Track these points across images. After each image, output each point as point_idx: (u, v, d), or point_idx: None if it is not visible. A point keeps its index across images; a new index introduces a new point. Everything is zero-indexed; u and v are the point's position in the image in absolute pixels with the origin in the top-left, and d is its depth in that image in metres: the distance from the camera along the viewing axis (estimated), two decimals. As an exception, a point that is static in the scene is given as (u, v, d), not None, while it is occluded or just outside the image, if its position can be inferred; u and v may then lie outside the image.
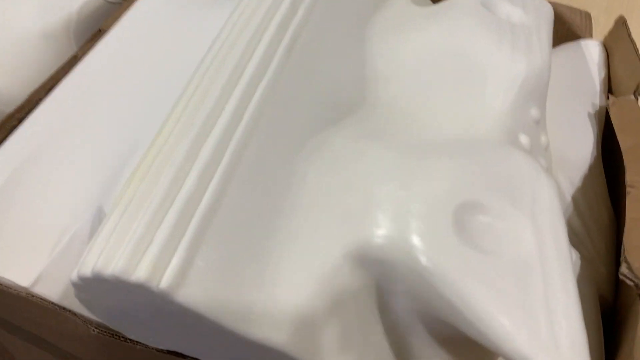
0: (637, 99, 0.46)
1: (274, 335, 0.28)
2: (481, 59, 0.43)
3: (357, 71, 0.42)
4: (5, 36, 0.55)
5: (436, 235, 0.30)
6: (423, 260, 0.29)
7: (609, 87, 0.51)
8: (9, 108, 0.52)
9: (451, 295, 0.29)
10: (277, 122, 0.34)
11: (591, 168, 0.46)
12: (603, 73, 0.50)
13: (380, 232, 0.31)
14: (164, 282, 0.26)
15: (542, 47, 0.45)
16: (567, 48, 0.54)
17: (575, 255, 0.42)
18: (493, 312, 0.28)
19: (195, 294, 0.27)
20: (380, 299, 0.32)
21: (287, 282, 0.30)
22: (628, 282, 0.35)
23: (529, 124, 0.42)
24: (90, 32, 0.58)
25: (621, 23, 0.51)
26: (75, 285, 0.28)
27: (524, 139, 0.41)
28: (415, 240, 0.30)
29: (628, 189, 0.40)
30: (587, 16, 0.54)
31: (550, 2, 0.53)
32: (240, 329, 0.28)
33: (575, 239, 0.44)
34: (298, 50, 0.39)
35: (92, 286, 0.27)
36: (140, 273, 0.26)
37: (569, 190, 0.46)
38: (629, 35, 0.50)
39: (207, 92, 0.33)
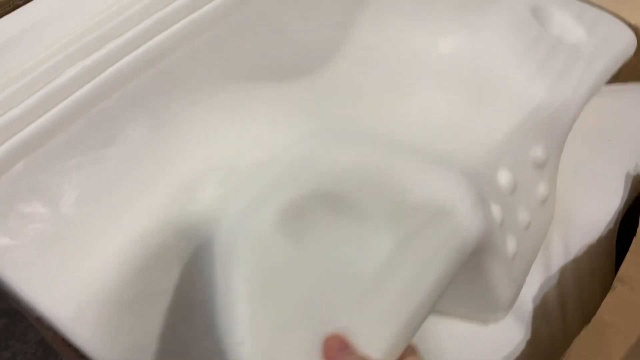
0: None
1: (57, 303, 0.24)
2: (494, 67, 0.34)
3: (329, 39, 0.35)
4: None
5: (253, 213, 0.25)
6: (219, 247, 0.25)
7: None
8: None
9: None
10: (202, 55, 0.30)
11: (600, 241, 0.36)
12: (670, 130, 0.39)
13: (215, 200, 0.27)
14: None
15: (583, 78, 0.35)
16: (635, 90, 0.43)
17: (521, 337, 0.33)
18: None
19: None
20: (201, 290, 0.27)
21: (102, 237, 0.26)
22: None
23: (523, 164, 0.33)
24: None
25: None
26: None
27: (505, 178, 0.32)
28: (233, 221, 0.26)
29: (615, 282, 0.30)
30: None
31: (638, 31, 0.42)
32: (16, 278, 0.24)
33: (541, 313, 0.35)
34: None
35: None
36: None
37: (560, 258, 0.36)
38: None
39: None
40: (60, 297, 0.24)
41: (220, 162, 0.29)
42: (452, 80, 0.34)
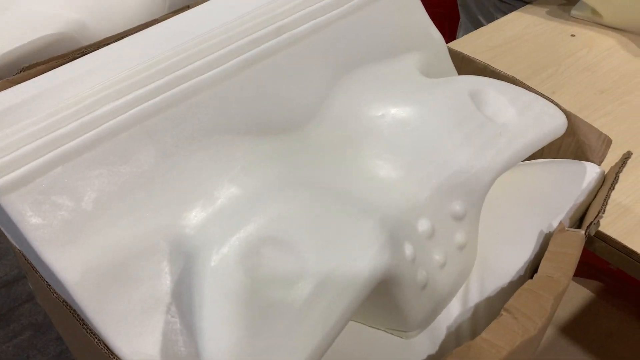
0: (586, 235, 0.42)
1: (69, 269, 0.34)
2: (429, 137, 0.44)
3: (312, 103, 0.45)
4: (113, -11, 0.67)
5: (221, 255, 0.33)
6: (196, 266, 0.33)
7: (584, 214, 0.47)
8: (86, 42, 0.64)
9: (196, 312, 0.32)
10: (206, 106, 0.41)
11: (512, 284, 0.44)
12: (583, 199, 0.47)
13: (197, 224, 0.35)
14: (-4, 182, 0.33)
15: (502, 152, 0.43)
16: (565, 164, 0.51)
17: (430, 352, 0.41)
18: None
19: (17, 204, 0.33)
20: (176, 288, 0.36)
21: (110, 228, 0.35)
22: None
23: (443, 216, 0.42)
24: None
25: (624, 158, 0.46)
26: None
27: (423, 225, 0.41)
28: (205, 247, 0.34)
29: (502, 311, 0.38)
30: (607, 141, 0.50)
31: (572, 116, 0.51)
32: (43, 248, 0.33)
33: (453, 338, 0.42)
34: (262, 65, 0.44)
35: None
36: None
37: (475, 296, 0.44)
38: (617, 171, 0.45)
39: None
40: (71, 265, 0.34)
41: (206, 191, 0.39)
42: (395, 144, 0.43)
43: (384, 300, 0.39)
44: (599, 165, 0.50)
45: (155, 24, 0.63)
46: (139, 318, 0.35)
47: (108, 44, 0.61)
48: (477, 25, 1.06)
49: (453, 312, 0.44)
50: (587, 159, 0.51)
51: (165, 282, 0.36)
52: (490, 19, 0.95)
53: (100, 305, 0.34)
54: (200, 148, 0.40)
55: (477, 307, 0.44)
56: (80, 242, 0.34)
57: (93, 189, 0.36)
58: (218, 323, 0.31)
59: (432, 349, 0.41)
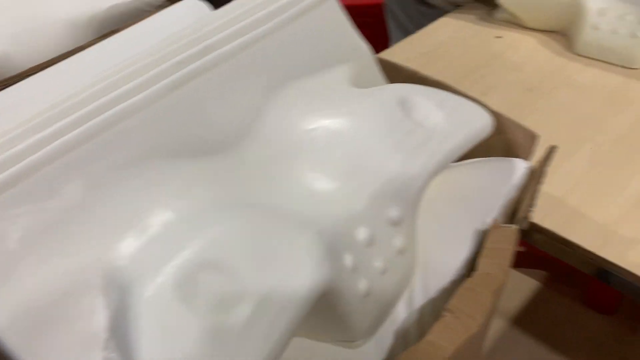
0: (519, 229, 0.44)
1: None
2: (361, 147, 0.44)
3: (244, 122, 0.45)
4: (36, 18, 0.65)
5: (156, 284, 0.33)
6: (131, 297, 0.32)
7: (516, 209, 0.48)
8: (9, 73, 0.62)
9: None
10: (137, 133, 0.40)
11: (453, 283, 0.45)
12: (514, 194, 0.48)
13: (130, 254, 0.34)
14: None
15: (432, 155, 0.44)
16: (493, 162, 0.52)
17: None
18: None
19: None
20: (112, 322, 0.35)
21: (38, 267, 0.34)
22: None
23: (380, 222, 0.42)
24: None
25: (548, 152, 0.48)
26: None
27: (362, 234, 0.41)
28: (139, 278, 0.33)
29: (444, 311, 0.39)
30: (532, 137, 0.52)
31: (499, 115, 0.52)
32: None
33: (401, 342, 0.43)
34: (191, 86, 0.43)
35: None
36: None
37: (420, 298, 0.44)
38: (543, 165, 0.47)
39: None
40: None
41: (138, 219, 0.38)
42: (329, 155, 0.44)
43: (328, 312, 0.39)
44: (528, 160, 0.52)
45: (81, 50, 0.62)
46: (75, 358, 0.34)
47: (32, 74, 0.59)
48: (406, 32, 1.08)
49: (399, 316, 0.44)
50: (516, 156, 0.53)
51: (101, 319, 0.35)
52: (418, 25, 0.97)
53: (33, 350, 0.33)
54: (130, 175, 0.39)
55: (422, 309, 0.44)
56: (6, 285, 0.33)
57: (18, 228, 0.34)
58: (156, 356, 0.30)
59: (381, 355, 0.42)
